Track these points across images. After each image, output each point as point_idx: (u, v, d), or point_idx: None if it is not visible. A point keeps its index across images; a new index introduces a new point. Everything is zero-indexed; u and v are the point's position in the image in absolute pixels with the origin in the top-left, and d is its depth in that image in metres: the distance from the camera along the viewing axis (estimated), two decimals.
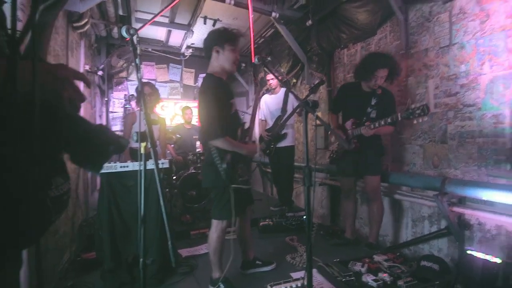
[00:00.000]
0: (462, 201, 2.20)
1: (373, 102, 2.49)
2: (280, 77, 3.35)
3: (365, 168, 2.55)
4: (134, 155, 3.04)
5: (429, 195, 2.39)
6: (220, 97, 1.82)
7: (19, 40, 0.58)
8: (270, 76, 3.46)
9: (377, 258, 2.21)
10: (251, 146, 1.88)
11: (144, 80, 4.36)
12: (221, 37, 1.87)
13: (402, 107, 2.66)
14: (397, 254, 2.28)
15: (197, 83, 5.79)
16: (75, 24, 3.00)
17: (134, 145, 3.14)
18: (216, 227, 1.94)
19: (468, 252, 1.88)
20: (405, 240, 2.68)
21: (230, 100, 1.91)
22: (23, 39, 0.59)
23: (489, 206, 2.02)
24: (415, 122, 2.16)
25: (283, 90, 3.51)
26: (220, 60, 1.90)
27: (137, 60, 1.35)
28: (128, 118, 3.29)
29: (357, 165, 2.58)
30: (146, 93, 2.94)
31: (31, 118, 0.55)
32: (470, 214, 2.13)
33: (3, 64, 0.54)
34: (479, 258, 1.79)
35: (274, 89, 3.55)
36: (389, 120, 2.27)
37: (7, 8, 0.66)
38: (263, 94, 3.71)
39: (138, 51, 1.37)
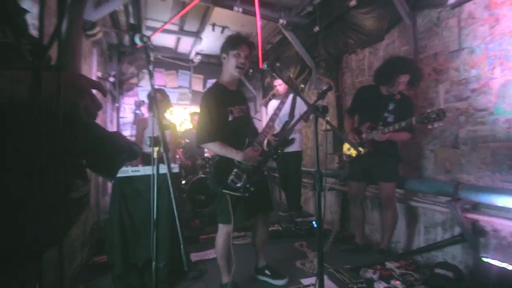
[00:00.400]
0: (476, 207, 2.16)
1: (391, 107, 2.43)
2: (290, 83, 3.34)
3: (380, 174, 2.49)
4: (145, 160, 3.08)
5: (441, 201, 2.35)
6: (212, 103, 1.87)
7: (45, 49, 0.61)
8: (278, 82, 3.47)
9: (389, 265, 2.17)
10: (247, 152, 1.84)
11: (155, 87, 4.44)
12: (226, 45, 1.93)
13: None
14: (409, 261, 2.24)
15: (205, 89, 5.85)
16: (88, 33, 3.09)
17: (146, 150, 3.19)
18: (221, 230, 1.96)
19: (484, 259, 1.84)
20: (418, 247, 2.63)
21: (229, 107, 1.90)
22: (50, 48, 0.62)
23: (505, 212, 1.98)
24: (429, 127, 2.10)
25: (290, 95, 3.51)
26: (226, 67, 1.95)
27: (150, 67, 1.39)
28: (139, 123, 3.34)
29: (369, 170, 2.53)
30: (157, 98, 2.99)
31: (51, 125, 0.57)
32: (484, 220, 2.08)
33: (26, 74, 0.56)
34: (495, 265, 1.75)
35: (281, 95, 3.54)
36: (403, 124, 2.19)
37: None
38: (270, 99, 3.73)
39: (152, 58, 1.40)
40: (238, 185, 1.85)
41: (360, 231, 2.73)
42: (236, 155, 1.85)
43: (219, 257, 1.97)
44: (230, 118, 1.90)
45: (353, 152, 2.60)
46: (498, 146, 2.06)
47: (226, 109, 1.90)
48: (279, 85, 3.46)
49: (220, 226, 1.95)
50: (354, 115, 2.74)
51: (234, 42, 1.89)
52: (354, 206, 2.71)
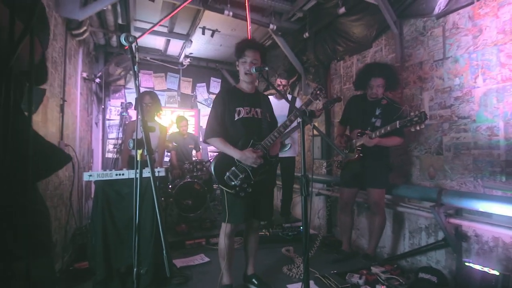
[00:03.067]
0: (459, 212, 2.21)
1: (378, 112, 2.47)
2: (279, 87, 3.33)
3: (370, 180, 2.49)
4: (133, 163, 3.01)
5: (425, 206, 2.39)
6: (219, 102, 1.97)
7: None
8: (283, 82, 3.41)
9: (374, 270, 2.19)
10: (245, 152, 1.85)
11: (142, 89, 4.37)
12: (235, 53, 2.00)
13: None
14: (394, 265, 2.26)
15: (194, 92, 5.81)
16: (73, 32, 3.02)
17: (133, 152, 3.12)
18: (221, 229, 2.00)
19: (466, 264, 1.87)
20: (403, 252, 2.66)
21: (237, 107, 1.95)
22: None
23: (486, 217, 2.03)
24: (412, 129, 2.18)
25: (288, 96, 3.49)
26: (239, 73, 2.03)
27: (135, 68, 1.36)
28: (128, 126, 3.27)
29: (360, 176, 2.54)
30: (146, 102, 2.94)
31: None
32: (467, 225, 2.13)
33: None
34: (478, 270, 1.78)
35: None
36: (388, 128, 2.26)
37: None
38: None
39: (137, 59, 1.38)
40: (233, 183, 1.87)
41: (348, 239, 2.72)
42: (233, 153, 1.88)
43: (219, 256, 2.02)
44: (236, 118, 1.94)
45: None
46: (480, 153, 2.12)
47: (234, 109, 1.95)
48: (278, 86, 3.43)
49: (222, 224, 2.00)
50: (345, 124, 2.78)
51: (239, 50, 1.96)
52: (344, 213, 2.69)
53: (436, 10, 2.38)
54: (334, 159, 2.80)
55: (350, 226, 2.72)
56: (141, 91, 2.20)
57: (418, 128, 2.15)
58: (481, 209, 1.94)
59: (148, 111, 2.98)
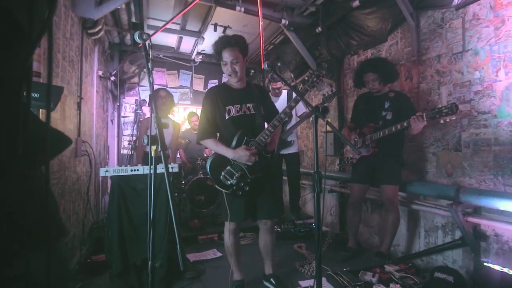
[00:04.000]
0: (477, 211, 2.13)
1: (387, 105, 2.46)
2: (291, 83, 3.31)
3: (383, 177, 2.46)
4: (146, 159, 3.08)
5: (442, 204, 2.33)
6: (208, 102, 1.95)
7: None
8: (277, 85, 3.39)
9: (388, 268, 2.15)
10: (238, 150, 1.81)
11: (155, 86, 4.43)
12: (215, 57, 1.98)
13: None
14: (409, 264, 2.21)
15: (206, 89, 5.85)
16: (89, 31, 3.09)
17: (148, 149, 3.18)
18: (225, 227, 2.01)
19: (485, 264, 1.81)
20: (418, 250, 2.61)
21: (227, 106, 1.91)
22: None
23: (507, 216, 1.95)
24: (441, 121, 2.04)
25: (285, 92, 3.45)
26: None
27: (149, 65, 1.38)
28: (142, 123, 3.33)
29: (372, 172, 2.51)
30: (162, 96, 2.99)
31: None
32: (486, 224, 2.06)
33: None
34: (497, 271, 1.73)
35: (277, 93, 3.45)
36: (431, 113, 2.05)
37: None
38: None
39: (150, 56, 1.40)
40: (229, 182, 1.85)
41: (354, 235, 2.70)
42: (226, 153, 1.86)
43: (227, 253, 2.04)
44: (226, 117, 1.91)
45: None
46: (501, 149, 2.04)
47: (224, 107, 1.92)
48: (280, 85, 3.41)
49: (225, 223, 2.01)
50: (356, 123, 2.73)
51: (216, 53, 1.91)
52: (354, 209, 2.67)
53: (456, 1, 2.29)
54: (346, 156, 2.75)
55: (358, 223, 2.71)
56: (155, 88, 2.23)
57: (448, 120, 2.00)
58: (501, 208, 1.87)
59: (163, 104, 3.03)
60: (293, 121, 3.34)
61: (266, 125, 1.95)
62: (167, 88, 5.27)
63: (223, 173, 1.86)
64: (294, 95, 3.35)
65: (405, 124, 2.18)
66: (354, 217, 2.68)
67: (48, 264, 0.56)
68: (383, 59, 2.75)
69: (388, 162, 2.44)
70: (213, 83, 5.91)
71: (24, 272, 0.52)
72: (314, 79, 1.78)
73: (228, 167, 1.86)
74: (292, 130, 3.34)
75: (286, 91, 3.47)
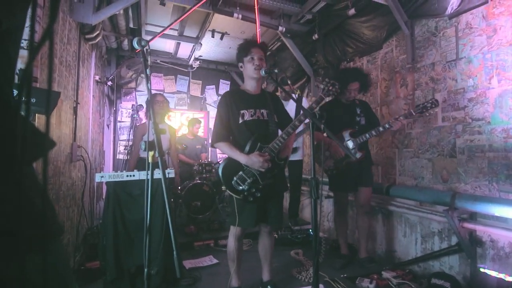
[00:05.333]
0: (473, 216, 2.15)
1: (358, 111, 2.61)
2: (287, 88, 3.33)
3: (364, 180, 2.54)
4: (142, 165, 3.06)
5: (438, 210, 2.34)
6: (222, 106, 1.97)
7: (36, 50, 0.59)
8: (286, 88, 3.41)
9: (385, 274, 2.15)
10: (251, 156, 1.81)
11: (152, 91, 4.43)
12: (239, 54, 2.00)
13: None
14: (406, 270, 2.22)
15: (203, 94, 5.86)
16: (87, 36, 3.09)
17: (142, 154, 3.16)
18: (230, 232, 2.00)
19: (481, 270, 1.82)
20: (414, 257, 2.61)
21: (241, 110, 1.93)
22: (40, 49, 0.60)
23: (502, 222, 1.96)
24: (427, 114, 2.26)
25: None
26: (244, 74, 2.03)
27: (147, 71, 1.39)
28: (138, 129, 3.32)
29: (353, 177, 2.55)
30: (159, 100, 2.98)
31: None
32: (482, 230, 2.07)
33: None
34: (493, 276, 1.73)
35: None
36: (413, 113, 2.29)
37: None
38: None
39: (149, 62, 1.40)
40: (241, 188, 1.84)
41: (345, 242, 2.72)
42: (239, 157, 1.86)
43: (228, 258, 2.02)
44: (240, 121, 1.93)
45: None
46: (495, 155, 2.06)
47: (238, 111, 1.94)
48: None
49: (230, 227, 2.00)
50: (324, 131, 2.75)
51: (245, 49, 1.96)
52: (341, 217, 2.70)
53: (449, 10, 2.34)
54: (327, 166, 2.65)
55: (346, 229, 2.75)
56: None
57: (432, 112, 2.26)
58: (496, 214, 1.88)
59: (161, 108, 3.03)
60: (300, 128, 3.32)
61: (279, 132, 1.97)
62: (164, 93, 5.28)
63: (235, 178, 1.86)
64: (304, 99, 3.38)
65: (386, 126, 2.35)
66: (343, 224, 2.71)
67: (43, 265, 0.54)
68: (362, 69, 2.91)
69: (367, 165, 2.58)
70: (210, 88, 5.93)
71: (19, 273, 0.50)
72: (330, 88, 1.82)
73: (240, 173, 1.86)
74: (297, 138, 3.32)
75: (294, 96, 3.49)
